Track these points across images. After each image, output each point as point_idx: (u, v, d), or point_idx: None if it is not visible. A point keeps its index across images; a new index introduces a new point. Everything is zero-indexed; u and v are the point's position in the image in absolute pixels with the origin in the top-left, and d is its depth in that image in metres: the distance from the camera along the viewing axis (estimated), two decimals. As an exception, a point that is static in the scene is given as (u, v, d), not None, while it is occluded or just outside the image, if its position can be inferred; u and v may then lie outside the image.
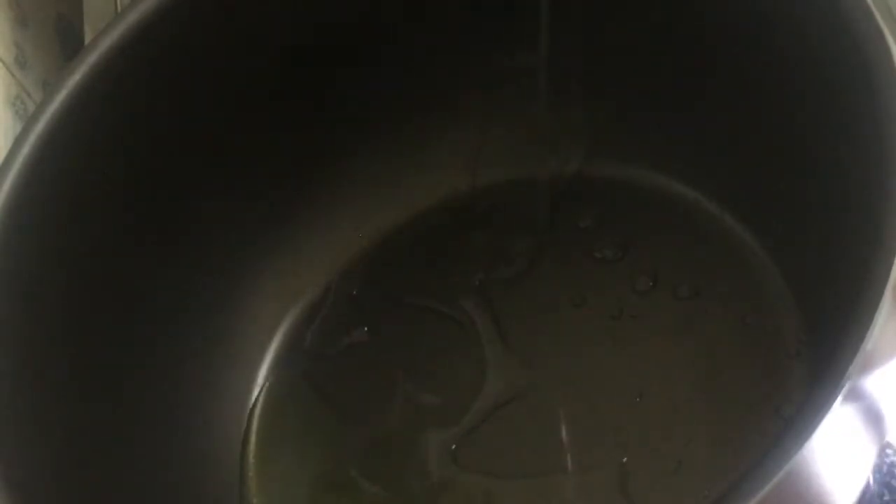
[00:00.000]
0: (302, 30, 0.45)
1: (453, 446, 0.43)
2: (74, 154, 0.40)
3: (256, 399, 0.47)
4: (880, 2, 0.31)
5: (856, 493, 0.28)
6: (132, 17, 0.40)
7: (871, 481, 0.36)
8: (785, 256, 0.41)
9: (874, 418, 0.28)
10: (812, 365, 0.39)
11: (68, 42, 0.55)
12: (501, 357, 0.45)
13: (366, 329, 0.48)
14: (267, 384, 0.47)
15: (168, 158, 0.43)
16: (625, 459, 0.40)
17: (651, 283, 0.44)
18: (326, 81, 0.46)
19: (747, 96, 0.40)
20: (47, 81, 0.51)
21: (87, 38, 0.53)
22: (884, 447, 0.29)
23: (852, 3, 0.32)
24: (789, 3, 0.35)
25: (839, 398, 0.26)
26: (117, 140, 0.41)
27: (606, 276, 0.45)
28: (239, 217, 0.47)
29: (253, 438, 0.46)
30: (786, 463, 0.25)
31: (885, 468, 0.37)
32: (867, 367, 0.26)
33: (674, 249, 0.45)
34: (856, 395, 0.26)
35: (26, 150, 0.38)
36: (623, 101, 0.46)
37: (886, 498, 0.37)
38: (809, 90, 0.35)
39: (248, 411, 0.47)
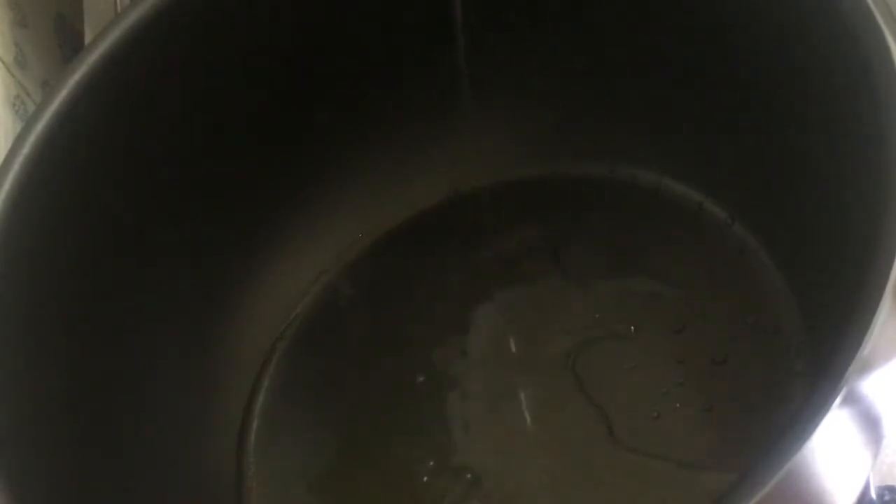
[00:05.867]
0: (304, 32, 0.45)
1: (453, 445, 0.43)
2: (74, 154, 0.40)
3: (256, 399, 0.47)
4: (880, 2, 0.31)
5: (856, 493, 0.28)
6: (132, 17, 0.40)
7: (871, 481, 0.36)
8: (785, 256, 0.41)
9: (874, 418, 0.28)
10: (812, 365, 0.39)
11: (68, 42, 0.55)
12: (502, 354, 0.45)
13: (367, 330, 0.48)
14: (267, 384, 0.47)
15: (168, 158, 0.43)
16: (623, 459, 0.40)
17: (652, 283, 0.44)
18: (327, 83, 0.47)
19: (748, 97, 0.40)
20: (47, 81, 0.51)
21: (87, 38, 0.53)
22: (883, 447, 0.29)
23: (852, 4, 0.32)
24: (790, 4, 0.35)
25: (839, 398, 0.26)
26: (117, 140, 0.41)
27: (608, 276, 0.45)
28: (239, 217, 0.47)
29: (252, 438, 0.46)
30: (786, 463, 0.25)
31: (884, 468, 0.37)
32: (867, 368, 0.26)
33: (675, 250, 0.45)
34: (855, 396, 0.26)
35: (26, 150, 0.38)
36: (624, 104, 0.46)
37: (886, 498, 0.37)
38: (810, 90, 0.36)
39: (248, 412, 0.47)
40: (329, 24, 0.45)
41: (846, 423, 0.26)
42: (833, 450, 0.26)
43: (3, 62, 0.48)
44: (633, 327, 0.44)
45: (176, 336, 0.45)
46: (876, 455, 0.29)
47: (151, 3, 0.40)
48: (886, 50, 0.30)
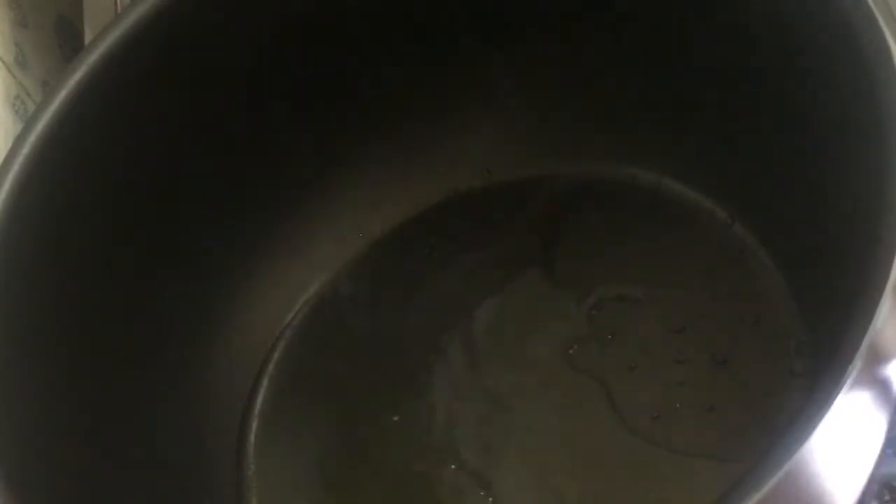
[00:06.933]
0: (304, 32, 0.45)
1: (454, 445, 0.43)
2: (74, 154, 0.40)
3: (256, 400, 0.47)
4: (880, 2, 0.31)
5: (856, 493, 0.28)
6: (132, 17, 0.40)
7: (871, 482, 0.36)
8: (785, 256, 0.41)
9: (873, 419, 0.28)
10: (812, 366, 0.39)
11: (68, 42, 0.55)
12: (502, 354, 0.45)
13: (366, 329, 0.48)
14: (267, 384, 0.47)
15: (168, 158, 0.43)
16: (624, 454, 0.40)
17: (652, 283, 0.44)
18: (327, 84, 0.47)
19: (748, 97, 0.40)
20: (47, 81, 0.51)
21: (87, 38, 0.53)
22: (883, 447, 0.29)
23: (853, 4, 0.32)
24: (789, 4, 0.35)
25: (839, 398, 0.26)
26: (117, 140, 0.41)
27: (609, 276, 0.45)
28: (240, 216, 0.47)
29: (252, 439, 0.46)
30: (786, 463, 0.25)
31: (884, 468, 0.37)
32: (868, 367, 0.26)
33: (675, 250, 0.45)
34: (855, 396, 0.26)
35: (26, 150, 0.38)
36: (624, 104, 0.46)
37: (886, 498, 0.37)
38: (810, 90, 0.35)
39: (247, 412, 0.47)
40: (330, 25, 0.45)
41: (846, 424, 0.26)
42: (833, 450, 0.26)
43: (3, 62, 0.48)
44: (632, 327, 0.44)
45: (175, 336, 0.45)
46: (876, 455, 0.29)
47: (151, 3, 0.40)
48: (887, 50, 0.30)
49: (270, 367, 0.48)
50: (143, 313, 0.43)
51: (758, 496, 0.25)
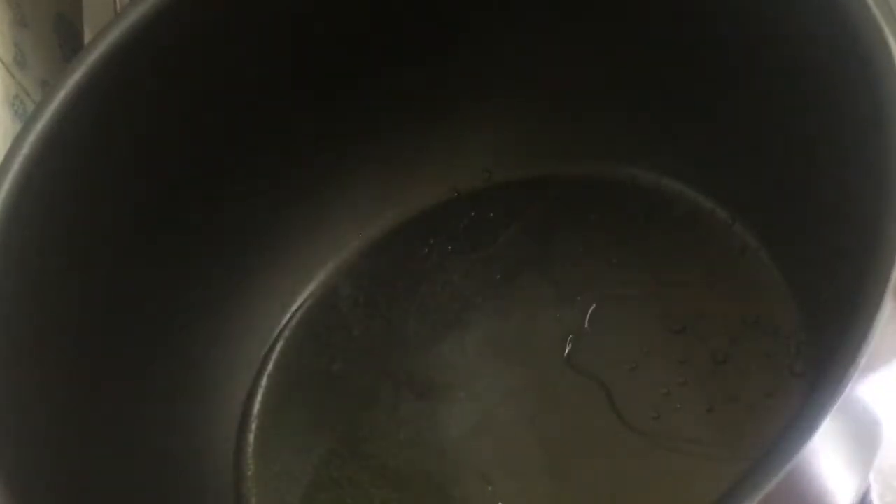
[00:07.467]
0: (303, 33, 0.45)
1: (454, 445, 0.43)
2: (74, 154, 0.40)
3: (255, 400, 0.47)
4: (881, 1, 0.31)
5: (856, 493, 0.28)
6: (132, 17, 0.40)
7: (871, 482, 0.36)
8: (786, 256, 0.41)
9: (874, 419, 0.28)
10: (812, 366, 0.39)
11: (68, 42, 0.55)
12: (502, 354, 0.45)
13: (366, 329, 0.48)
14: (266, 383, 0.47)
15: (167, 157, 0.43)
16: (626, 454, 0.40)
17: (652, 283, 0.44)
18: (327, 84, 0.46)
19: (749, 97, 0.40)
20: (47, 81, 0.51)
21: (87, 38, 0.53)
22: (883, 448, 0.29)
23: (853, 3, 0.32)
24: (790, 4, 0.35)
25: (839, 399, 0.26)
26: (117, 140, 0.41)
27: (609, 276, 0.45)
28: (239, 215, 0.47)
29: (251, 439, 0.46)
30: (786, 464, 0.25)
31: (885, 469, 0.37)
32: (868, 369, 0.26)
33: (675, 250, 0.45)
34: (856, 397, 0.26)
35: (26, 150, 0.38)
36: (625, 104, 0.46)
37: (888, 499, 0.37)
38: (810, 90, 0.36)
39: (246, 412, 0.47)
40: (329, 24, 0.45)
41: (846, 425, 0.26)
42: (834, 451, 0.26)
43: (3, 62, 0.48)
44: (633, 327, 0.44)
45: (175, 336, 0.45)
46: (876, 456, 0.29)
47: (151, 2, 0.40)
48: (887, 49, 0.30)
49: (270, 367, 0.48)
50: (142, 313, 0.43)
51: (758, 496, 0.25)
